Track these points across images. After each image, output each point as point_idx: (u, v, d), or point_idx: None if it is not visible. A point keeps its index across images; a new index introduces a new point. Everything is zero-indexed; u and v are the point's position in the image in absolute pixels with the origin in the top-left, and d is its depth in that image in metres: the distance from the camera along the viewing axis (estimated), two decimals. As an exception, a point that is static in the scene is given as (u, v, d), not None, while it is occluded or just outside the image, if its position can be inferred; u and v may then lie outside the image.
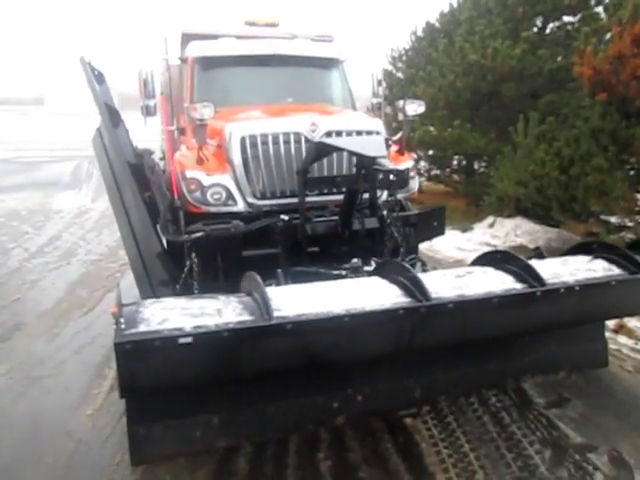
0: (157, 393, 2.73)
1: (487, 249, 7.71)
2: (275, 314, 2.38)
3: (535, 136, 7.45)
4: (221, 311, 2.43)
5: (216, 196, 4.78)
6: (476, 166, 11.36)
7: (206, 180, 4.75)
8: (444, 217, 5.49)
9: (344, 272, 4.23)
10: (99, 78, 5.98)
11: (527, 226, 8.26)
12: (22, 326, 5.06)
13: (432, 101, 9.59)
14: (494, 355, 3.57)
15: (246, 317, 2.41)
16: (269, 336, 2.37)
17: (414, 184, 5.53)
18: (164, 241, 4.63)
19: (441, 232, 5.46)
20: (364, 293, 2.73)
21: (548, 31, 9.48)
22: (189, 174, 4.79)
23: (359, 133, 4.99)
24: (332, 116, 5.38)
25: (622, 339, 4.70)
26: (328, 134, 4.87)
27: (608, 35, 7.82)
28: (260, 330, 2.32)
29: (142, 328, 2.25)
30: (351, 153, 3.94)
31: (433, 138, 9.72)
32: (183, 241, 4.34)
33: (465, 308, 2.71)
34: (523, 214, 8.53)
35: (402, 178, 3.62)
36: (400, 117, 5.51)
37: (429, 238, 5.52)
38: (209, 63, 6.13)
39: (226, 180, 4.80)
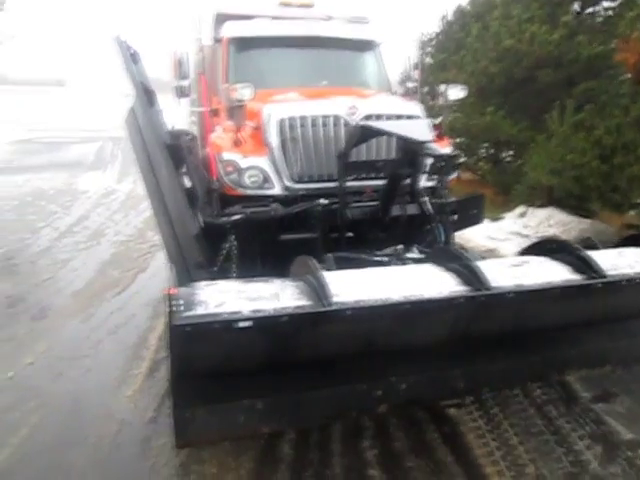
0: (204, 377, 2.70)
1: (519, 239, 7.60)
2: (334, 299, 2.31)
3: (572, 124, 7.25)
4: (278, 295, 2.37)
5: (253, 179, 4.72)
6: (503, 154, 11.15)
7: (243, 162, 4.69)
8: (483, 205, 5.38)
9: (386, 258, 4.17)
10: (134, 57, 5.92)
11: (560, 216, 8.09)
12: (56, 306, 5.08)
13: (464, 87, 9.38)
14: (540, 347, 3.47)
15: (303, 302, 2.35)
16: (327, 322, 2.30)
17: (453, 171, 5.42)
18: (201, 223, 4.58)
19: (479, 220, 5.35)
20: (420, 280, 2.65)
21: (586, 16, 9.20)
22: (226, 156, 4.73)
23: (399, 117, 4.87)
24: (371, 99, 5.26)
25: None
26: (368, 117, 4.77)
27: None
28: (319, 316, 2.26)
29: (200, 311, 2.19)
30: (398, 137, 3.84)
31: (463, 125, 9.53)
32: (222, 223, 4.29)
33: (525, 298, 2.63)
34: (556, 204, 8.35)
35: (452, 164, 3.53)
36: (440, 101, 5.37)
37: (467, 226, 5.41)
38: (245, 44, 6.03)
39: (263, 163, 4.74)
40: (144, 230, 7.86)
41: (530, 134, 8.74)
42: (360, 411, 3.33)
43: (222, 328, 2.13)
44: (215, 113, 6.34)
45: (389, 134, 3.94)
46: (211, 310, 2.21)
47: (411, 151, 4.03)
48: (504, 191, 9.68)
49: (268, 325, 2.21)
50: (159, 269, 6.11)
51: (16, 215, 8.68)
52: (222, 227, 4.38)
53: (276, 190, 4.75)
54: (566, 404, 3.49)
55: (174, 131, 5.50)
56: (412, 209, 4.66)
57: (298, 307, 2.31)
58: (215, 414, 3.02)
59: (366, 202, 4.77)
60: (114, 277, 5.84)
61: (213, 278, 4.48)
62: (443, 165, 3.53)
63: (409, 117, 4.87)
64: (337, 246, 4.57)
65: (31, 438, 3.14)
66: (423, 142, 3.63)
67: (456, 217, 5.00)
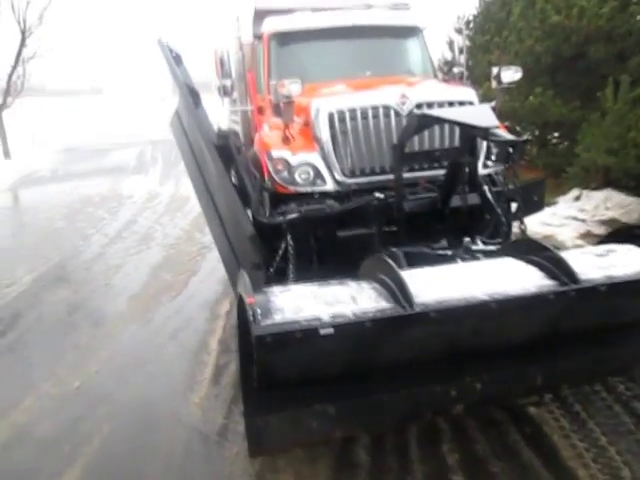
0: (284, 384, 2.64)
1: (576, 224, 7.26)
2: (416, 300, 2.19)
3: (631, 100, 6.87)
4: (355, 298, 2.27)
5: (304, 175, 4.63)
6: (550, 137, 10.73)
7: (293, 159, 4.60)
8: (544, 191, 5.15)
9: (449, 252, 4.01)
10: (177, 59, 5.92)
11: (618, 198, 7.71)
12: (114, 311, 5.12)
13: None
14: (619, 339, 3.26)
15: (383, 304, 2.23)
16: (411, 324, 2.18)
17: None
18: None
19: (541, 207, 5.13)
20: (502, 276, 2.50)
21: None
22: (275, 154, 4.65)
23: (451, 104, 4.69)
24: (421, 87, 5.09)
25: None
26: (419, 106, 4.61)
27: None
28: (403, 319, 2.14)
29: (278, 318, 2.11)
30: (461, 125, 3.66)
31: (509, 108, 9.19)
32: (279, 223, 4.21)
33: (617, 290, 2.44)
34: (613, 185, 7.97)
35: (523, 149, 3.34)
36: (494, 85, 5.14)
37: (530, 214, 5.18)
38: (286, 38, 5.93)
39: (314, 158, 4.63)
40: (191, 232, 7.89)
41: (582, 113, 8.36)
42: (435, 413, 3.21)
43: (304, 336, 2.04)
44: (260, 111, 6.27)
45: (452, 122, 3.76)
46: (289, 317, 2.12)
47: (472, 138, 3.86)
48: (555, 174, 9.30)
49: (350, 331, 2.11)
50: (210, 271, 6.11)
51: (66, 223, 8.87)
52: (277, 227, 4.31)
53: (328, 186, 4.65)
54: (653, 400, 3.28)
55: (222, 131, 5.46)
56: (473, 199, 4.48)
57: (379, 310, 2.19)
58: (287, 421, 2.94)
59: (421, 194, 4.62)
60: (167, 281, 5.86)
61: (270, 279, 4.47)
62: (512, 151, 3.34)
63: (461, 103, 4.68)
64: (395, 241, 4.45)
65: (104, 448, 3.14)
66: (489, 128, 3.45)
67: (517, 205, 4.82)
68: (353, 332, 2.11)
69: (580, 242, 6.65)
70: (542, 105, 8.55)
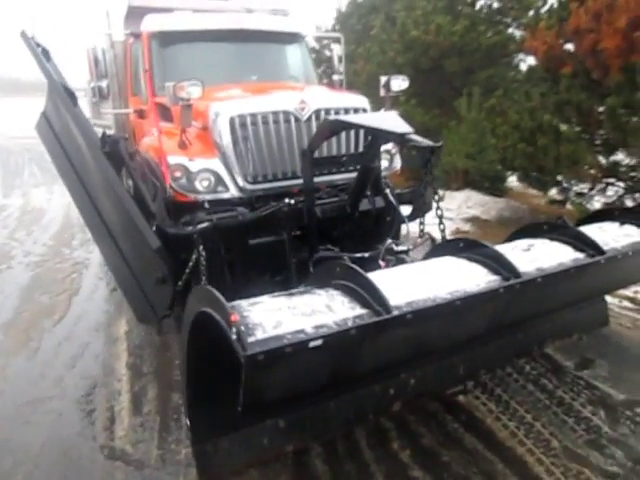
0: (222, 404, 2.50)
1: (446, 222, 7.88)
2: (391, 304, 2.21)
3: (486, 110, 7.69)
4: (331, 307, 2.22)
5: (205, 182, 4.45)
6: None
7: (193, 166, 4.41)
8: (432, 193, 5.51)
9: (366, 254, 4.12)
10: (45, 55, 5.29)
11: (477, 198, 8.58)
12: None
13: (372, 78, 9.58)
14: (522, 324, 3.63)
15: (359, 311, 2.22)
16: (389, 328, 2.19)
17: (397, 162, 5.50)
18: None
19: (430, 208, 5.48)
20: (453, 274, 2.63)
21: (478, 7, 9.77)
22: (173, 160, 4.41)
23: (347, 110, 4.84)
24: (316, 93, 5.16)
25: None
26: (317, 112, 4.70)
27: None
28: (383, 323, 2.15)
29: (262, 335, 1.99)
30: (376, 131, 3.77)
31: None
32: (189, 233, 3.97)
33: (549, 281, 2.71)
34: (471, 186, 8.84)
35: (438, 154, 3.55)
36: (382, 93, 5.40)
37: (422, 215, 5.51)
38: (170, 38, 5.63)
39: (215, 164, 4.48)
40: (57, 247, 7.10)
41: (441, 121, 9.15)
42: (376, 412, 3.27)
43: (294, 351, 1.94)
44: (140, 115, 5.87)
45: (367, 128, 3.85)
46: (271, 333, 2.01)
47: (379, 144, 4.01)
48: (419, 177, 10.03)
49: (337, 341, 2.05)
50: (93, 290, 5.56)
51: None
52: (187, 237, 4.07)
53: (231, 193, 4.53)
54: (556, 375, 3.69)
55: (109, 136, 5.01)
56: (379, 202, 4.67)
57: (357, 317, 2.18)
58: (238, 441, 2.81)
59: (326, 199, 4.69)
60: (45, 303, 5.19)
61: (176, 294, 4.20)
62: (431, 156, 3.53)
63: (355, 110, 4.86)
64: (305, 247, 4.45)
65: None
66: (406, 134, 3.61)
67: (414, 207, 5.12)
68: (339, 342, 2.06)
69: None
70: (407, 113, 9.16)
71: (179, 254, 4.16)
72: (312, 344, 1.97)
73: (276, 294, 2.38)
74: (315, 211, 4.30)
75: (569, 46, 6.45)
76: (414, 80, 9.76)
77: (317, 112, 4.70)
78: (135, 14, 6.18)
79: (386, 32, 9.45)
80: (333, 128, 3.97)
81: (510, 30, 9.36)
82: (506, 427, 3.14)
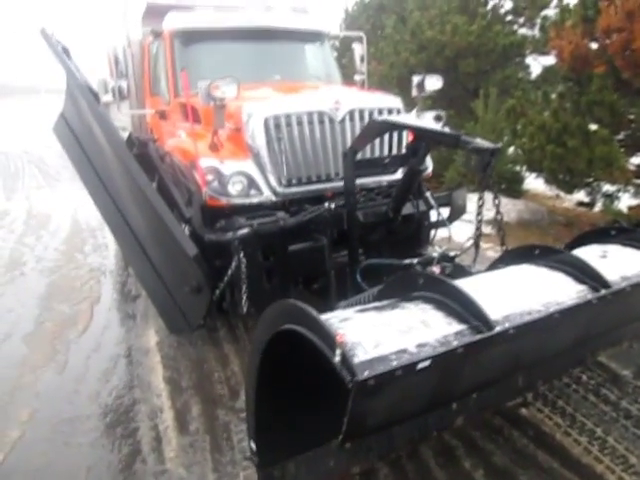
0: (287, 426, 2.35)
1: (463, 224, 7.75)
2: (491, 318, 2.05)
3: (506, 110, 7.57)
4: (426, 322, 2.05)
5: (238, 186, 4.28)
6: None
7: (226, 168, 4.23)
8: (466, 196, 5.38)
9: (415, 261, 3.96)
10: (65, 53, 5.08)
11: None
12: (14, 357, 4.16)
13: (384, 79, 9.45)
14: (575, 333, 3.49)
15: (457, 326, 2.05)
16: (491, 345, 2.03)
17: (429, 164, 5.36)
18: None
19: (464, 211, 5.34)
20: (539, 284, 2.47)
21: (490, 7, 9.67)
22: (204, 163, 4.23)
23: (380, 111, 4.70)
24: (349, 93, 5.00)
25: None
26: (351, 112, 4.55)
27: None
28: (488, 340, 1.99)
29: (363, 356, 1.81)
30: (430, 133, 3.61)
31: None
32: (229, 240, 3.80)
33: (637, 290, 2.56)
34: (488, 188, 8.69)
35: (496, 157, 3.40)
36: (414, 93, 5.25)
37: (457, 218, 5.38)
38: (192, 37, 5.47)
39: (248, 167, 4.32)
40: (70, 253, 6.87)
41: (456, 122, 9.02)
42: (439, 429, 3.11)
43: (403, 374, 1.77)
44: (162, 115, 5.68)
45: (419, 129, 3.68)
46: (374, 353, 1.84)
47: (426, 146, 3.84)
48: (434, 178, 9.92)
49: (445, 360, 1.89)
50: (115, 298, 5.35)
51: None
52: (226, 245, 3.90)
53: (265, 196, 4.36)
54: (616, 385, 3.55)
55: (138, 138, 4.82)
56: (422, 206, 4.52)
57: (458, 334, 2.01)
58: (304, 464, 2.64)
59: (363, 203, 4.53)
60: (66, 313, 4.97)
61: (212, 303, 4.02)
62: (490, 159, 3.37)
63: (389, 110, 4.72)
64: (344, 252, 4.28)
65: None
66: (460, 136, 3.46)
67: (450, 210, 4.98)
68: (445, 361, 1.90)
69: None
70: (421, 114, 9.07)
71: (214, 261, 3.99)
72: (420, 365, 1.81)
73: (361, 308, 2.21)
74: (357, 216, 4.13)
75: (594, 45, 6.36)
76: (427, 81, 9.69)
77: (351, 113, 4.57)
78: (153, 12, 6.01)
79: (399, 32, 9.31)
80: (381, 129, 3.82)
81: (523, 30, 9.27)
82: (578, 442, 2.99)
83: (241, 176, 4.27)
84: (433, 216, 4.78)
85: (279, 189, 4.36)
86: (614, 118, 5.57)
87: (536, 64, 9.64)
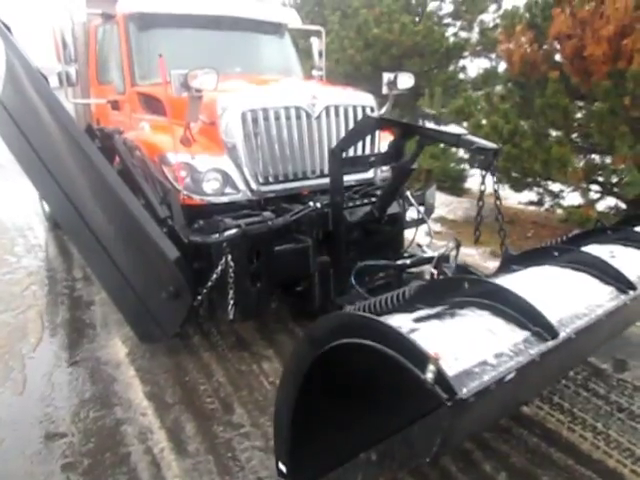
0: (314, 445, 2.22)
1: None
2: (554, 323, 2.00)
3: (454, 111, 7.74)
4: (492, 330, 1.97)
5: (214, 183, 4.04)
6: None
7: (201, 165, 3.98)
8: (435, 195, 5.40)
9: (407, 261, 3.90)
10: (9, 30, 4.53)
11: (442, 198, 8.61)
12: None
13: (331, 74, 9.36)
14: (609, 334, 3.53)
15: (521, 333, 1.98)
16: (558, 351, 1.98)
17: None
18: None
19: (433, 210, 5.36)
20: (569, 286, 2.47)
21: (429, 9, 9.87)
22: (175, 158, 3.97)
23: (355, 108, 4.62)
24: (327, 89, 4.87)
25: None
26: (327, 109, 4.44)
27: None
28: (556, 347, 1.93)
29: (449, 370, 1.68)
30: (430, 132, 3.54)
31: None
32: (219, 241, 3.54)
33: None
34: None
35: (497, 157, 3.39)
36: (385, 91, 5.19)
37: (428, 217, 5.38)
38: (151, 21, 5.09)
39: (224, 163, 4.09)
40: (-1, 255, 6.18)
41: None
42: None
43: (496, 388, 1.67)
44: (114, 106, 5.24)
45: (417, 128, 3.60)
46: (459, 366, 1.72)
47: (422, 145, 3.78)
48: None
49: (525, 371, 1.81)
50: (65, 305, 4.85)
51: None
52: (208, 247, 3.64)
53: (241, 195, 4.16)
54: (601, 379, 3.68)
55: (106, 130, 4.38)
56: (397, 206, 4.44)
57: (526, 341, 1.94)
58: (335, 480, 2.49)
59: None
60: (11, 323, 4.43)
61: (194, 310, 3.76)
62: (492, 158, 3.35)
63: (363, 107, 4.66)
64: (329, 254, 4.14)
65: None
66: (461, 135, 3.43)
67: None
68: (526, 371, 1.82)
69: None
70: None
71: (192, 264, 3.72)
72: (508, 377, 1.72)
73: (417, 317, 2.08)
74: (344, 215, 4.01)
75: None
76: (372, 78, 9.71)
77: (327, 108, 4.45)
78: (101, -8, 5.51)
79: (345, 29, 9.26)
80: (375, 126, 3.71)
81: (462, 33, 9.54)
82: (584, 438, 3.05)
83: (216, 173, 4.03)
84: (409, 215, 4.73)
85: (256, 187, 4.15)
86: (567, 121, 5.82)
87: (472, 66, 9.96)
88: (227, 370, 3.72)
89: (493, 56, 9.38)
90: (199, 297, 3.64)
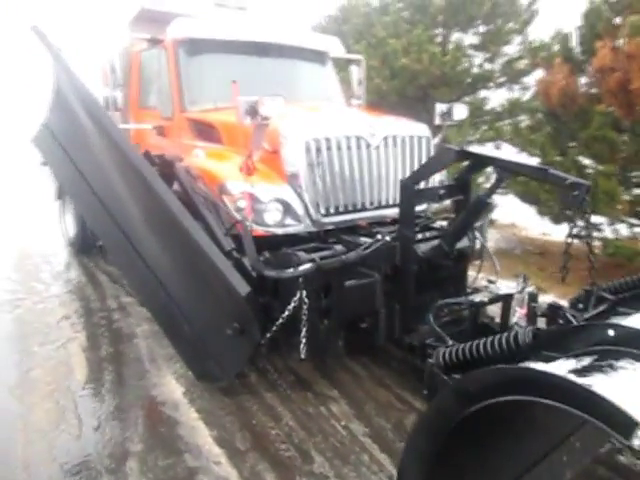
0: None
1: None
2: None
3: (487, 140, 7.70)
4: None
5: (276, 214, 3.90)
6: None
7: (263, 194, 3.84)
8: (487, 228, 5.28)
9: (478, 299, 3.71)
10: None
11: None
12: (9, 423, 3.36)
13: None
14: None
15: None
16: None
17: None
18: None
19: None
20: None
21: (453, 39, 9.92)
22: (236, 187, 3.82)
23: (412, 137, 4.54)
24: (383, 119, 4.75)
25: None
26: (385, 139, 4.35)
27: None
28: None
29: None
30: (511, 165, 3.39)
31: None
32: (294, 276, 3.37)
33: None
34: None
35: (588, 193, 3.26)
36: (437, 121, 5.09)
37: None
38: (199, 47, 5.01)
39: (286, 193, 3.94)
40: (26, 282, 5.96)
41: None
42: None
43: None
44: (160, 132, 5.11)
45: (499, 161, 3.46)
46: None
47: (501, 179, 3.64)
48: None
49: None
50: (107, 337, 4.62)
51: None
52: (282, 282, 3.48)
53: (303, 226, 4.01)
54: None
55: (161, 156, 4.23)
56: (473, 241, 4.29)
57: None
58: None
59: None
60: (52, 357, 4.19)
61: (259, 348, 3.57)
62: (579, 194, 3.21)
63: (419, 138, 4.58)
64: (397, 290, 3.96)
65: None
66: (547, 169, 3.31)
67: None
68: None
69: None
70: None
71: (258, 300, 3.55)
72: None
73: (569, 367, 1.90)
74: (415, 249, 3.84)
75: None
76: (398, 107, 9.69)
77: (386, 138, 4.35)
78: (146, 18, 5.47)
79: (370, 58, 9.26)
80: (455, 159, 3.57)
81: (488, 65, 9.58)
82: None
83: (278, 203, 3.89)
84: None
85: (316, 218, 4.01)
86: (613, 154, 5.76)
87: (495, 96, 9.99)
88: (294, 412, 3.49)
89: (516, 87, 9.42)
90: (267, 334, 3.46)
